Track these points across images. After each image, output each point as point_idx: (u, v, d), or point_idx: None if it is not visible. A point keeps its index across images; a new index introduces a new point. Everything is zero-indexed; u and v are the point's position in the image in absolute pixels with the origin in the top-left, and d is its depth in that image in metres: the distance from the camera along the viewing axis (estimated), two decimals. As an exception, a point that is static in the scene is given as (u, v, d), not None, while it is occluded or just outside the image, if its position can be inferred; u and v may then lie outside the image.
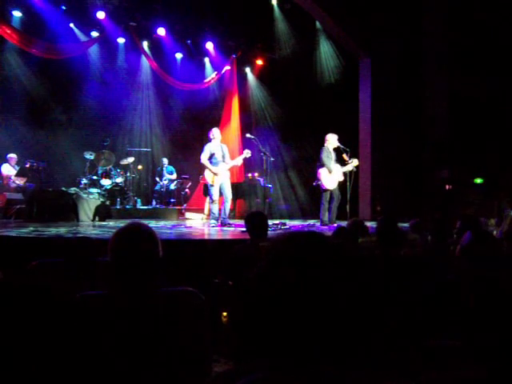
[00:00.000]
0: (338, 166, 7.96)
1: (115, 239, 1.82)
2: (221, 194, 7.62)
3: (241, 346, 2.58)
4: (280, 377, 0.86)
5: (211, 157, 7.49)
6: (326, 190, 7.91)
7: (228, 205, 7.64)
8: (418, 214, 7.85)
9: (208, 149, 7.53)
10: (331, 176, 7.85)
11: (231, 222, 7.97)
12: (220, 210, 7.70)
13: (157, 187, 11.39)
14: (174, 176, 11.48)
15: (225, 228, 7.40)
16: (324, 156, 7.85)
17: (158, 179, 11.51)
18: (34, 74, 10.51)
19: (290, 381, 0.85)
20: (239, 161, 7.79)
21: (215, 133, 7.68)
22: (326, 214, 7.97)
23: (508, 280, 1.13)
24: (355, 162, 8.02)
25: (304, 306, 0.85)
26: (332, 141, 7.97)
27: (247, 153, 7.59)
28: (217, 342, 2.59)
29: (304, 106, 11.19)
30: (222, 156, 7.57)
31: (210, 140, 7.65)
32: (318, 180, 7.93)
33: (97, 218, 8.31)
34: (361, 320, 0.86)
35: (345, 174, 8.04)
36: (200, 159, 7.57)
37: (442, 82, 10.34)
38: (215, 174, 7.46)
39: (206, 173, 7.57)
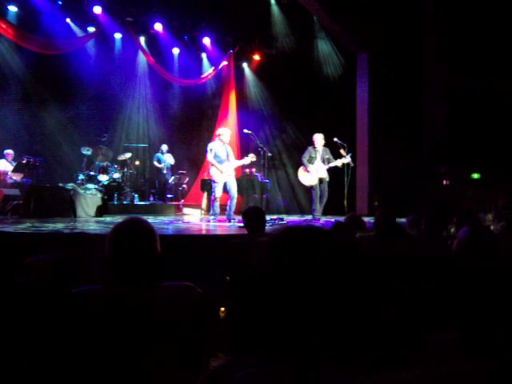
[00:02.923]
0: (321, 164, 8.10)
1: (113, 234, 1.82)
2: (226, 191, 7.78)
3: (238, 340, 2.58)
4: (277, 371, 0.86)
5: (215, 155, 7.65)
6: (311, 186, 8.14)
7: (234, 202, 7.81)
8: (416, 209, 7.87)
9: (212, 147, 7.72)
10: (308, 173, 8.11)
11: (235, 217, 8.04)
12: (224, 206, 7.94)
13: (170, 180, 11.22)
14: (172, 160, 11.34)
15: (222, 223, 7.46)
16: (304, 155, 8.18)
17: (156, 163, 11.20)
18: (30, 69, 10.46)
19: (287, 376, 0.85)
20: (244, 162, 7.92)
21: (220, 132, 7.84)
22: (314, 208, 8.17)
23: (506, 275, 1.13)
24: (346, 159, 8.10)
25: (302, 300, 0.85)
26: (317, 140, 8.15)
27: (252, 157, 7.76)
28: (215, 336, 2.59)
29: (301, 101, 11.17)
30: (226, 155, 7.71)
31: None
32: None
33: (94, 213, 8.30)
34: (359, 314, 0.86)
35: (341, 168, 8.15)
36: (206, 157, 7.82)
37: (440, 77, 10.33)
38: (221, 171, 7.57)
39: (212, 170, 7.68)
